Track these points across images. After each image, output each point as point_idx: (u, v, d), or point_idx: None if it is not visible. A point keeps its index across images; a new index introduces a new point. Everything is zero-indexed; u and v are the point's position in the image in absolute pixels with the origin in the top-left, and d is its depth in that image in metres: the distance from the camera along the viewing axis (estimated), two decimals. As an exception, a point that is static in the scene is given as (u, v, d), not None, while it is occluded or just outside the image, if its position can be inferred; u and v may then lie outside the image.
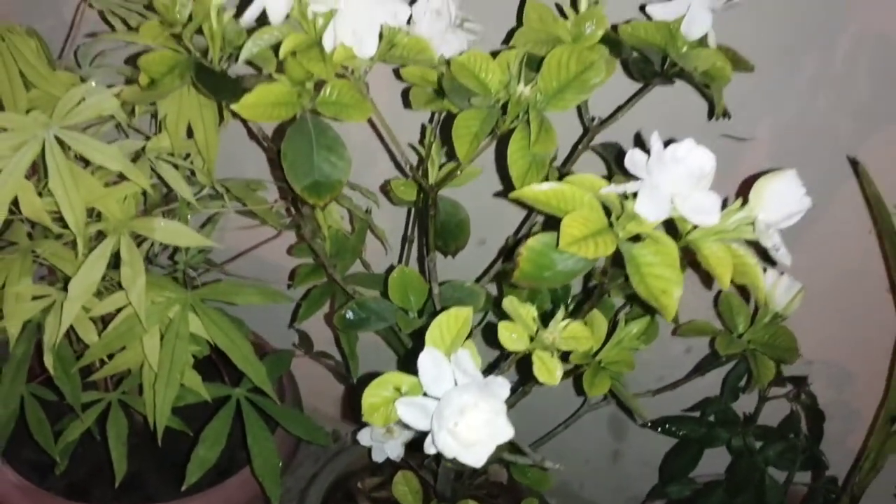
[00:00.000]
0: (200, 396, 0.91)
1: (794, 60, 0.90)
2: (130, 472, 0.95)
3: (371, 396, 0.59)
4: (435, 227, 0.81)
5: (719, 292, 0.97)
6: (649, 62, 0.80)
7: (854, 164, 0.90)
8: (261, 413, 0.97)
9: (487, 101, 0.69)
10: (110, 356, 0.90)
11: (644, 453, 1.30)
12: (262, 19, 0.69)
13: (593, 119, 0.86)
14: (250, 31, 0.70)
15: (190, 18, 0.73)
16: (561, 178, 0.86)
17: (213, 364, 1.02)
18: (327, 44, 0.66)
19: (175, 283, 0.90)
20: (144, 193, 0.95)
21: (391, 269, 0.86)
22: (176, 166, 0.93)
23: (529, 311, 0.64)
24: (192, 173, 0.97)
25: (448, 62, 0.71)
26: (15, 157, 0.80)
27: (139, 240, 0.91)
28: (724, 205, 0.65)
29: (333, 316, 0.90)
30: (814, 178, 0.64)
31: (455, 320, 0.60)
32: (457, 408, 0.53)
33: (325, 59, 0.66)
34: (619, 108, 0.85)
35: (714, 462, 1.10)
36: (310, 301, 1.03)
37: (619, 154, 0.87)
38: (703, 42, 0.79)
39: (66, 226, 0.86)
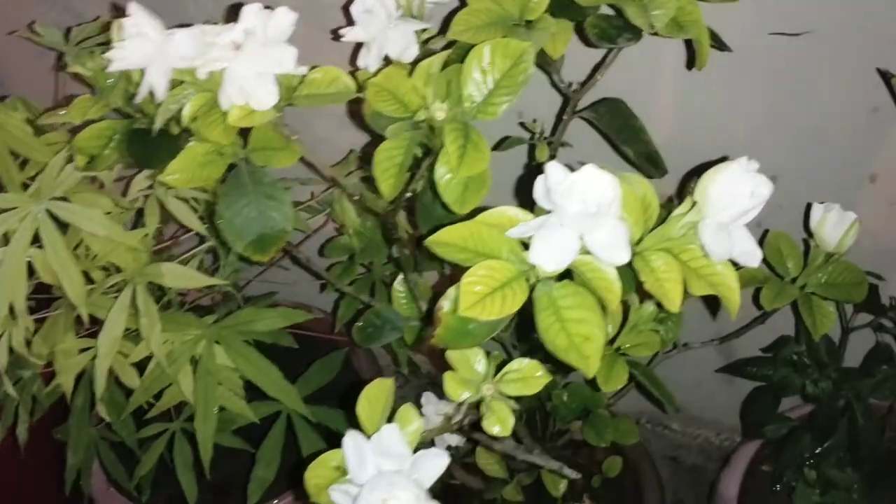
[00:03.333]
0: (248, 419, 0.94)
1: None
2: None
3: (314, 478, 0.58)
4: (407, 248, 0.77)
5: (764, 234, 0.86)
6: (611, 19, 0.70)
7: (885, 76, 0.76)
8: (313, 424, 0.98)
9: (406, 125, 0.63)
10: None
11: (757, 372, 1.22)
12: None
13: (570, 85, 0.77)
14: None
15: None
16: (552, 154, 0.79)
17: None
18: (223, 105, 0.62)
19: (198, 319, 0.92)
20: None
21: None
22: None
23: (474, 356, 0.59)
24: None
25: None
26: (17, 233, 0.83)
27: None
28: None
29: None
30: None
31: (380, 391, 0.56)
32: (370, 504, 0.50)
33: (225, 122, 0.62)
34: (597, 68, 0.76)
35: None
36: (347, 301, 1.02)
37: (613, 111, 0.79)
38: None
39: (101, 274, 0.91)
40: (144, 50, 0.60)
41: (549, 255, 0.50)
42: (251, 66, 0.60)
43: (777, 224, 1.04)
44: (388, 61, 0.75)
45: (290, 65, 0.60)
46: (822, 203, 0.82)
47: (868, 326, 0.92)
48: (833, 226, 0.80)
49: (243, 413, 0.93)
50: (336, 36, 0.74)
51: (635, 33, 0.69)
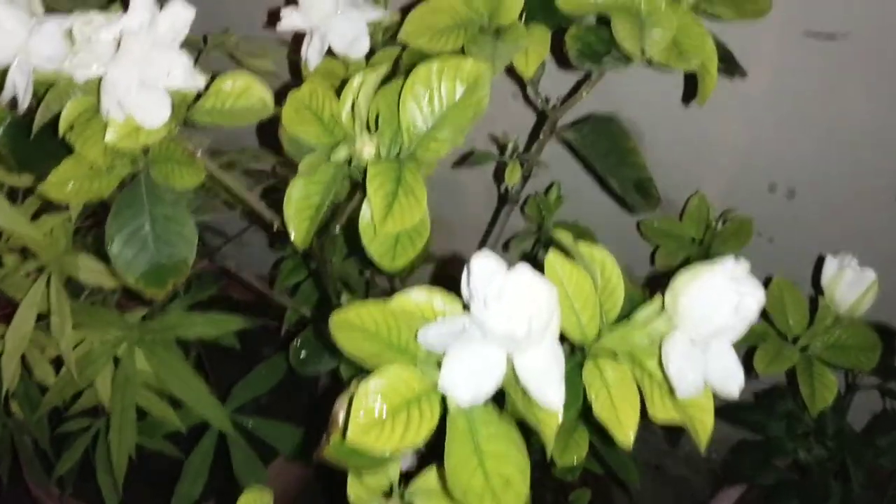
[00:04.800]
0: (175, 426, 0.84)
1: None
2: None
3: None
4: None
5: (767, 282, 0.74)
6: (599, 32, 0.57)
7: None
8: (250, 436, 0.89)
9: (325, 155, 0.51)
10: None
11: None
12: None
13: (547, 100, 0.64)
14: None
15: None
16: (525, 176, 0.67)
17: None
18: (105, 116, 0.50)
19: (121, 318, 0.82)
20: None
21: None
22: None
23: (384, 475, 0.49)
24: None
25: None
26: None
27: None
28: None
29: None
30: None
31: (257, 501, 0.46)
32: None
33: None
34: (582, 83, 0.63)
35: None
36: (297, 302, 0.91)
37: (599, 131, 0.66)
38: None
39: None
40: (4, 45, 0.48)
41: (463, 382, 0.38)
42: (133, 75, 0.48)
43: (790, 240, 0.91)
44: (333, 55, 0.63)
45: (182, 77, 0.48)
46: (836, 256, 0.69)
47: (875, 388, 0.80)
48: (849, 285, 0.67)
49: (169, 420, 0.84)
50: (273, 21, 0.61)
51: (625, 57, 0.56)
